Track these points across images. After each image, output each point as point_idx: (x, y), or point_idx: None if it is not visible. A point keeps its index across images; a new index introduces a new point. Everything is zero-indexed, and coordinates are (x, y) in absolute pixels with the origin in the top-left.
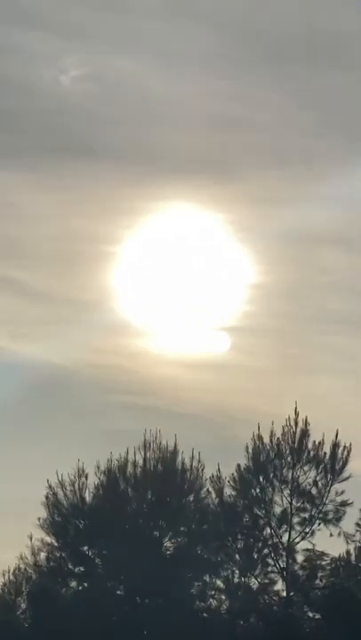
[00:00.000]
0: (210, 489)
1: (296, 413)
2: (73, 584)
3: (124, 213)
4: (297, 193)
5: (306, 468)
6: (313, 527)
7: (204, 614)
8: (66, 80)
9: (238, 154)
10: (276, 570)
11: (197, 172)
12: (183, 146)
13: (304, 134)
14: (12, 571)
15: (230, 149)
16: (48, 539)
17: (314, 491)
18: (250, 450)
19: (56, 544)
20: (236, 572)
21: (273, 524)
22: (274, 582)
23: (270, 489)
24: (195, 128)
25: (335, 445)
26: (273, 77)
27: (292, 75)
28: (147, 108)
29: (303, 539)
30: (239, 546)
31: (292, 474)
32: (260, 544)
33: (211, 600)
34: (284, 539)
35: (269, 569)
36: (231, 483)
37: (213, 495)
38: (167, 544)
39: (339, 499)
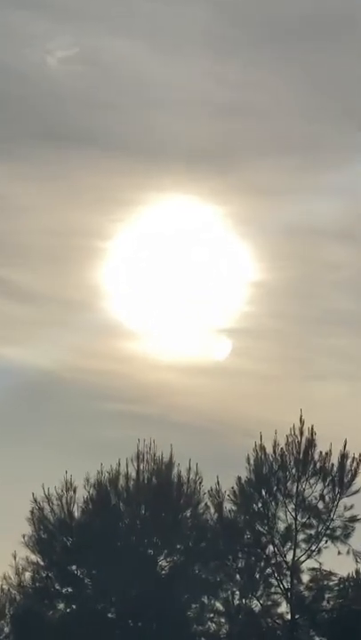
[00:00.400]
0: (208, 503)
1: (301, 422)
2: (60, 606)
3: (116, 205)
4: (301, 184)
5: (312, 480)
6: (319, 545)
7: (202, 639)
8: (55, 62)
9: (239, 143)
10: (279, 591)
11: (195, 161)
12: (181, 134)
13: (308, 122)
14: None
15: (231, 138)
16: (33, 557)
17: (320, 505)
18: (251, 461)
19: (42, 563)
20: (237, 593)
21: (276, 542)
22: (277, 604)
23: (273, 503)
24: (193, 115)
25: (343, 456)
26: (275, 62)
27: (296, 59)
28: (142, 93)
29: (309, 557)
30: (240, 565)
31: (297, 487)
32: (262, 563)
33: (209, 623)
34: (289, 557)
35: (273, 590)
36: (231, 497)
37: (212, 510)
38: (162, 563)
39: (347, 514)
